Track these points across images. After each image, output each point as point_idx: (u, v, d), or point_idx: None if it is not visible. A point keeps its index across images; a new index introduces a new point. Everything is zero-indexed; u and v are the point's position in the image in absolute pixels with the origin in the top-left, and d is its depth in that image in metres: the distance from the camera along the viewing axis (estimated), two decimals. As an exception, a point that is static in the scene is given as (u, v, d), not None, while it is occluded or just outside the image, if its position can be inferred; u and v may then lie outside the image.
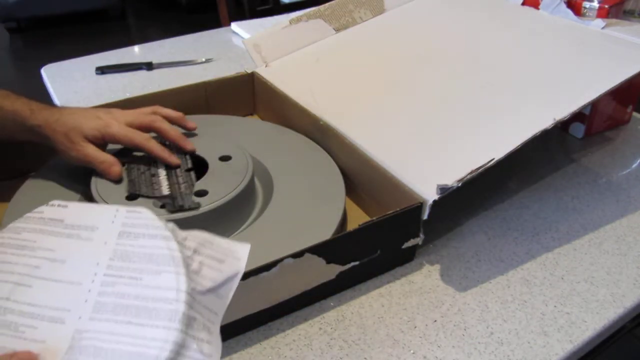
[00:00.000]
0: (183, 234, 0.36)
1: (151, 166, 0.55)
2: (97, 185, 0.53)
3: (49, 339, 0.31)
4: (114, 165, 0.53)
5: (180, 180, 0.53)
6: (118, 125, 0.54)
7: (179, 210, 0.49)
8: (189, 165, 0.55)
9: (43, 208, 0.39)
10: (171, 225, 0.36)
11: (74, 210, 0.39)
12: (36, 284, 0.34)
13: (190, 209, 0.49)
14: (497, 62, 0.68)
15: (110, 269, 0.34)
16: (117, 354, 0.30)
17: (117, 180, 0.53)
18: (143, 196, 0.51)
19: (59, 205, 0.39)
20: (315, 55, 0.77)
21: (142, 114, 0.57)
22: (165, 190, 0.52)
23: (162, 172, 0.54)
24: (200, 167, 0.56)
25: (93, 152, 0.53)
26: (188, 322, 0.31)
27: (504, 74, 0.65)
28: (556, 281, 0.52)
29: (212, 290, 0.34)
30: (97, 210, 0.38)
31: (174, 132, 0.57)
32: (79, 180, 0.55)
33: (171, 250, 0.34)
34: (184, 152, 0.57)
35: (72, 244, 0.36)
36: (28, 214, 0.39)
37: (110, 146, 0.57)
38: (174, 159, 0.55)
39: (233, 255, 0.35)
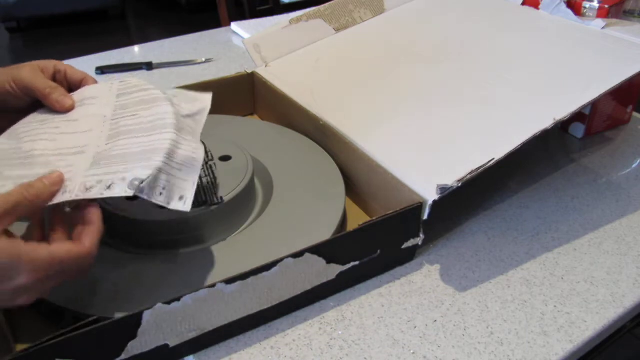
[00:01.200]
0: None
1: None
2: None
3: (75, 163, 0.41)
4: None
5: (202, 173, 0.53)
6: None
7: (203, 205, 0.49)
8: (210, 157, 0.55)
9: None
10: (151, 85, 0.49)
11: (78, 92, 0.49)
12: (59, 138, 0.44)
13: (213, 204, 0.49)
14: (497, 62, 0.68)
15: (115, 116, 0.46)
16: (131, 154, 0.41)
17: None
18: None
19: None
20: (315, 55, 0.77)
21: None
22: None
23: None
24: None
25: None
26: (178, 130, 0.43)
27: (504, 74, 0.65)
28: (556, 281, 0.52)
29: (190, 116, 0.47)
30: (96, 87, 0.50)
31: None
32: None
33: (157, 94, 0.47)
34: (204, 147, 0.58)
35: (81, 109, 0.47)
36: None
37: None
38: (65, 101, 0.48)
39: (200, 98, 0.50)
